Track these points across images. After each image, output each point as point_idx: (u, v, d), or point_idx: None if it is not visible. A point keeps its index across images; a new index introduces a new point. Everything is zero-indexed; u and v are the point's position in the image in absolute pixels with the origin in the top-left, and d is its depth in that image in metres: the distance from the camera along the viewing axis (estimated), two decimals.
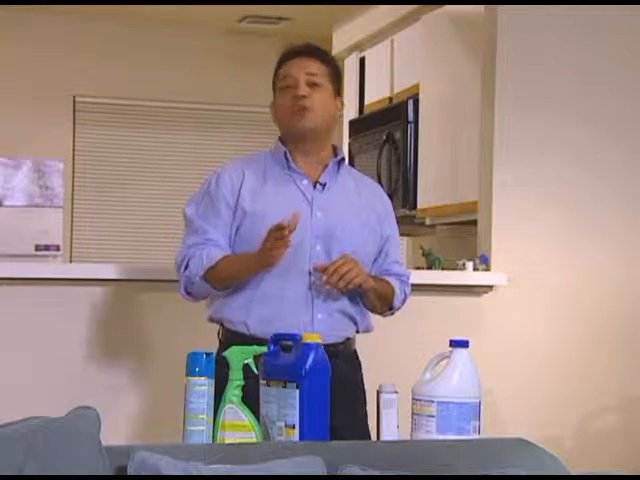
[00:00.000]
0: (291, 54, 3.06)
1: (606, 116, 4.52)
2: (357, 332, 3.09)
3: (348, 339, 3.03)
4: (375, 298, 3.04)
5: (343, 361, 2.92)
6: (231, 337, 2.97)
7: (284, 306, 2.94)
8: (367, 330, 3.12)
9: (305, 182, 3.03)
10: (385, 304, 3.09)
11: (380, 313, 3.13)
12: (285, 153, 3.04)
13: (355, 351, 3.11)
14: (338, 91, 3.09)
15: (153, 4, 6.57)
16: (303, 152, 3.05)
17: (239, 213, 2.99)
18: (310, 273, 2.95)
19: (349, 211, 3.04)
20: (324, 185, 3.04)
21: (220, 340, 3.04)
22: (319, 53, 3.08)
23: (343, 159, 3.09)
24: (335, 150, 3.12)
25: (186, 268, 2.98)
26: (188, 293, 3.04)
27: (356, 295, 3.02)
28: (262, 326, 2.92)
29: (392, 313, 3.16)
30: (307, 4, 6.38)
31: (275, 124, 3.11)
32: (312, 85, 3.01)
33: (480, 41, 4.58)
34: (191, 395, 2.38)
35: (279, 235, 2.81)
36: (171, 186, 7.42)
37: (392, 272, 3.11)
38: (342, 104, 3.12)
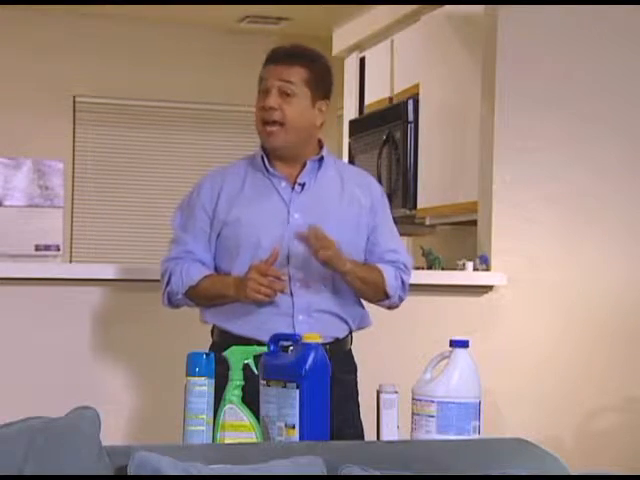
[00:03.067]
0: (273, 57, 3.00)
1: (606, 115, 4.52)
2: (351, 331, 3.05)
3: (337, 339, 2.99)
4: (360, 284, 2.99)
5: (333, 363, 2.79)
6: (223, 336, 2.99)
7: (264, 308, 2.93)
8: (362, 326, 3.08)
9: (283, 184, 3.01)
10: (376, 291, 3.03)
11: (377, 302, 3.08)
12: (262, 157, 3.02)
13: (349, 352, 3.07)
14: (322, 94, 3.01)
15: (153, 4, 6.56)
16: (280, 157, 3.03)
17: (217, 222, 3.00)
18: (290, 277, 2.93)
19: (329, 210, 3.00)
20: (303, 185, 3.01)
21: (214, 340, 3.04)
22: (301, 57, 2.99)
23: (322, 157, 3.03)
24: (321, 145, 3.07)
25: (168, 284, 3.03)
26: (170, 304, 3.09)
27: (343, 290, 2.99)
28: (244, 329, 2.93)
29: (392, 303, 3.08)
30: (308, 4, 6.37)
31: None
32: (285, 95, 2.95)
33: (480, 41, 4.58)
34: (191, 395, 2.38)
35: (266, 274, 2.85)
36: (171, 186, 7.41)
37: (385, 259, 3.04)
38: (327, 105, 3.03)
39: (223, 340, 2.93)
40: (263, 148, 3.05)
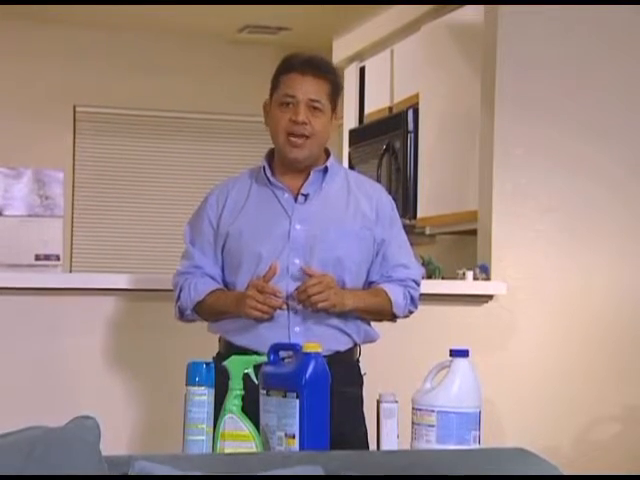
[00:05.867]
0: (298, 64, 2.97)
1: (605, 125, 4.52)
2: (356, 344, 3.03)
3: (337, 352, 2.96)
4: (365, 315, 3.00)
5: (334, 375, 2.74)
6: (227, 347, 3.00)
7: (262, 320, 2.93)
8: (369, 340, 3.06)
9: (286, 195, 3.00)
10: (382, 315, 3.03)
11: (381, 321, 3.07)
12: (264, 168, 3.02)
13: (354, 365, 3.05)
14: (336, 106, 3.03)
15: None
16: (289, 167, 3.02)
17: (221, 234, 3.01)
18: (287, 288, 2.92)
19: (331, 221, 2.98)
20: (306, 196, 3.00)
21: (219, 351, 3.05)
22: (324, 69, 2.99)
23: (327, 168, 3.03)
24: (327, 153, 3.07)
25: (178, 299, 3.06)
26: (182, 318, 3.11)
27: None
28: (243, 340, 2.94)
29: (401, 318, 3.07)
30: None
31: (266, 126, 3.05)
32: (313, 109, 2.95)
33: (479, 51, 4.59)
34: (191, 405, 2.38)
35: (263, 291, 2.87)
36: (171, 196, 7.42)
37: (393, 278, 3.02)
38: (336, 116, 3.05)
39: (226, 351, 2.94)
40: (268, 159, 3.05)
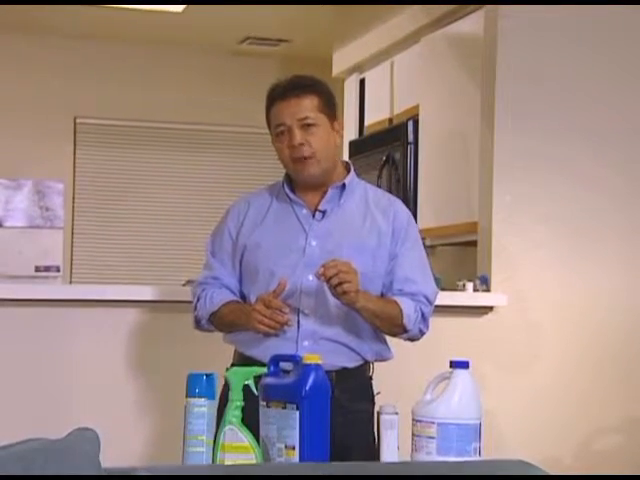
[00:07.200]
0: (278, 94, 2.99)
1: (606, 135, 4.53)
2: (367, 362, 3.03)
3: (345, 369, 2.96)
4: (373, 319, 2.96)
5: (342, 391, 2.83)
6: (238, 358, 3.02)
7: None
8: (379, 358, 3.05)
9: (304, 211, 3.03)
10: (392, 325, 2.99)
11: (395, 335, 3.04)
12: (283, 184, 3.05)
13: (364, 383, 3.04)
14: (334, 115, 3.04)
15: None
16: (307, 185, 3.04)
17: (240, 246, 3.04)
18: (300, 304, 2.93)
19: (347, 237, 2.99)
20: (324, 212, 3.02)
21: (233, 362, 3.06)
22: (304, 86, 3.00)
23: (344, 185, 3.04)
24: (348, 168, 3.10)
25: (195, 308, 3.09)
26: (199, 328, 3.13)
27: (358, 322, 2.97)
28: (253, 351, 2.95)
29: (411, 336, 3.04)
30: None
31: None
32: (307, 127, 2.96)
33: (479, 62, 4.60)
34: (191, 416, 2.38)
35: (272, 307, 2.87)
36: (171, 207, 7.43)
37: (404, 291, 3.00)
38: (339, 124, 3.06)
39: (239, 362, 2.97)
40: (287, 175, 3.07)
